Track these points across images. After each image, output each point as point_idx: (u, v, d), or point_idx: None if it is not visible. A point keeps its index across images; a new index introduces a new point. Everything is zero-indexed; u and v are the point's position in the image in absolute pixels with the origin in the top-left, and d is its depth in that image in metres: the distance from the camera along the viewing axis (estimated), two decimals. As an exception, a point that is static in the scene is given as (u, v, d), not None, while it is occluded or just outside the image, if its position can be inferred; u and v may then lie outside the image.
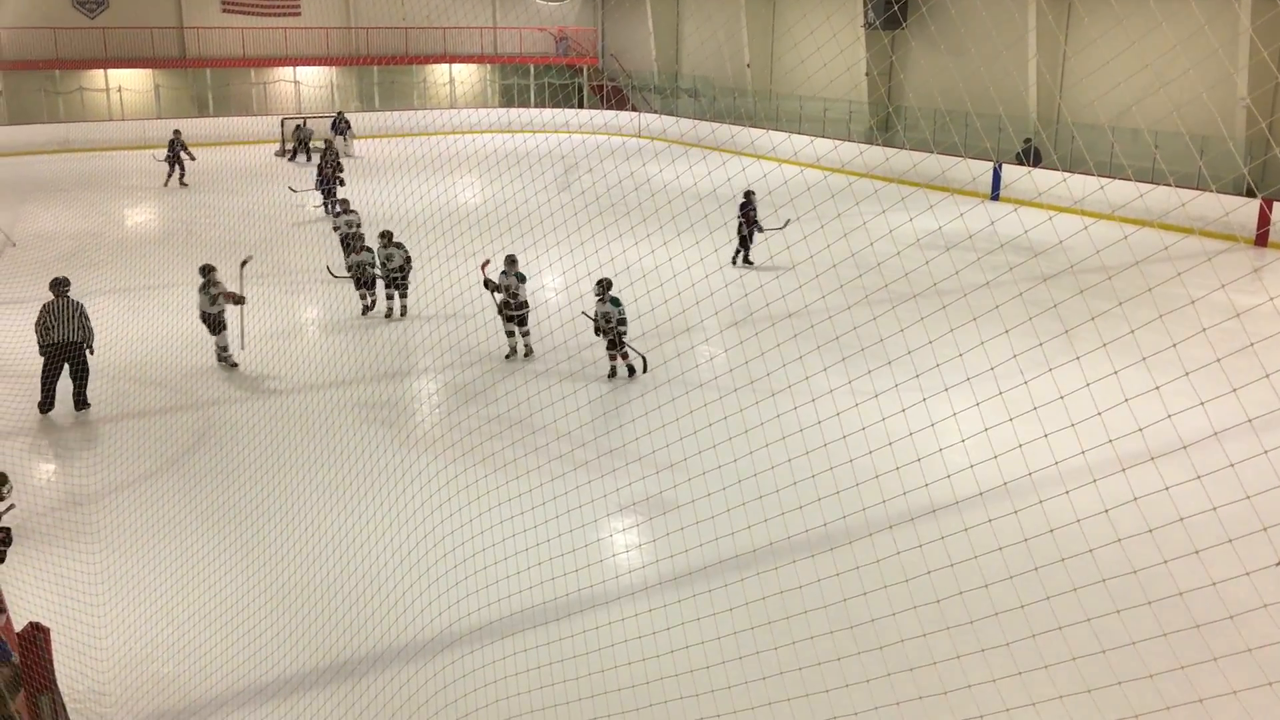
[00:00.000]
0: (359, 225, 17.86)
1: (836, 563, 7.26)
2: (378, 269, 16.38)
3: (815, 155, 26.20)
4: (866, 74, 31.22)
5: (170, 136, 28.05)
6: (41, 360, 12.60)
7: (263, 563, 8.99)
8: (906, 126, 30.62)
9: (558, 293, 17.21)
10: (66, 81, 33.92)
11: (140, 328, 14.99)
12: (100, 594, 8.24)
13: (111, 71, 34.40)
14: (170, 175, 27.74)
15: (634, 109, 39.56)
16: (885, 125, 31.48)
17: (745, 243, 18.76)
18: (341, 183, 24.37)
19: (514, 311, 14.28)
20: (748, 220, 18.68)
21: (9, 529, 8.12)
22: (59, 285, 12.79)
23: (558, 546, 7.95)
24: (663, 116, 38.03)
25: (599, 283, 13.22)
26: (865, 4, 30.34)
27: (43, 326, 12.56)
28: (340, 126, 33.45)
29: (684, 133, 33.76)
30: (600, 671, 6.65)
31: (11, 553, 7.87)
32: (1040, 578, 6.24)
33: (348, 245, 17.19)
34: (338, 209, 19.70)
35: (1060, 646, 6.46)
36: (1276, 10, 21.32)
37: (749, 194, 18.79)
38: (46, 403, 12.51)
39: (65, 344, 12.49)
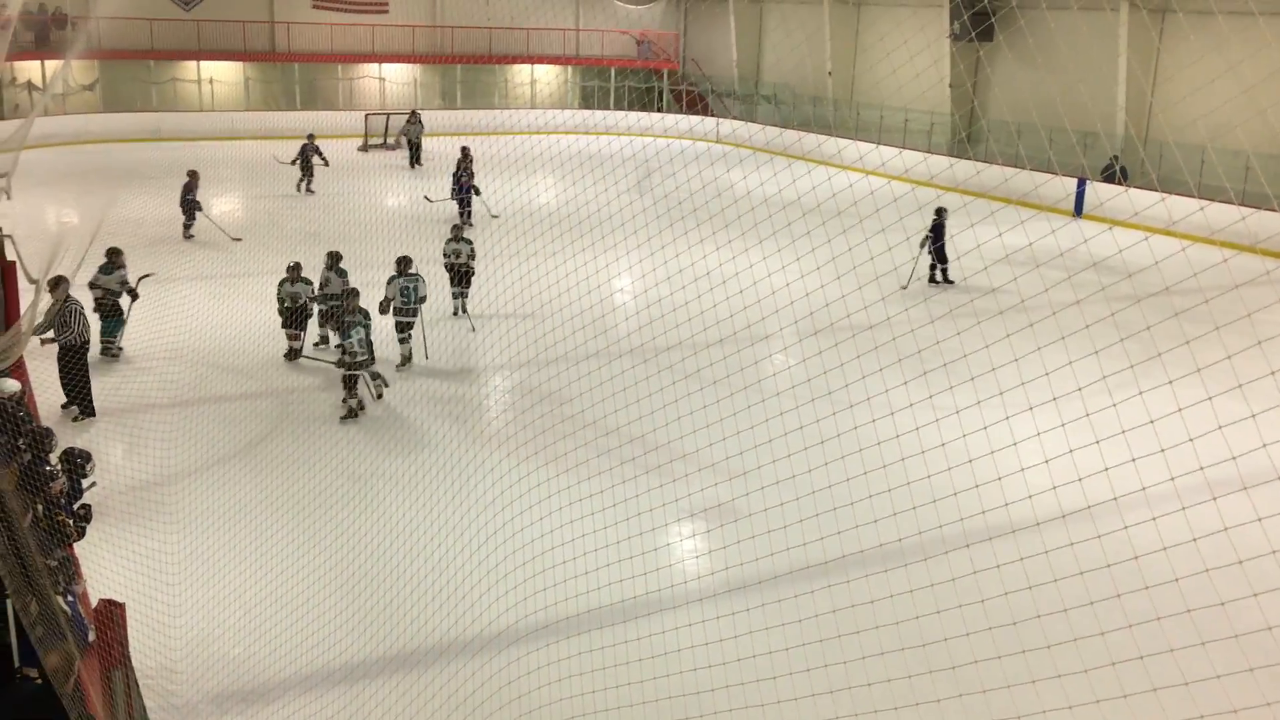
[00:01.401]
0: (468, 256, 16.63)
1: (910, 579, 7.12)
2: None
3: (903, 167, 25.90)
4: (951, 85, 30.81)
5: (304, 140, 26.94)
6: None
7: (332, 550, 9.08)
8: (989, 140, 30.14)
9: (634, 296, 17.18)
10: (160, 72, 34.76)
11: (220, 314, 15.26)
12: (175, 573, 8.37)
13: (204, 63, 35.17)
14: (303, 181, 26.48)
15: (713, 114, 39.47)
16: (968, 138, 31.03)
17: (942, 258, 18.77)
18: (476, 191, 23.50)
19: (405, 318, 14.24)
20: (937, 238, 18.61)
21: (89, 506, 8.30)
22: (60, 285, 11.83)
23: (625, 549, 7.90)
24: (742, 123, 37.88)
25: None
26: (952, 15, 29.94)
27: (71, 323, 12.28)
28: (413, 125, 33.87)
29: (769, 140, 33.60)
30: (663, 677, 6.59)
31: (91, 529, 8.03)
32: (1122, 605, 6.05)
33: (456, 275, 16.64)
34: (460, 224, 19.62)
35: (1140, 677, 6.25)
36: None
37: (940, 211, 18.68)
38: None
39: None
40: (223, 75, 35.59)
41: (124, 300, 14.14)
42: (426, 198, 24.04)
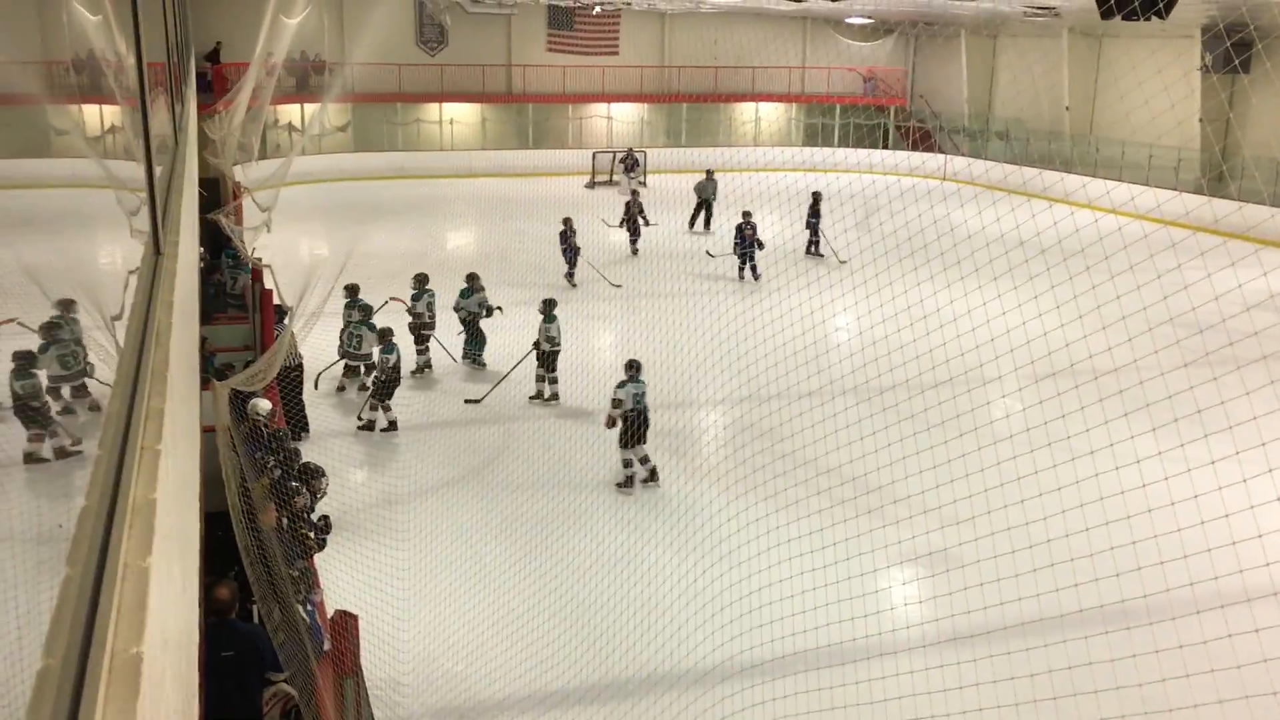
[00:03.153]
0: None
1: (1155, 639, 6.61)
2: None
3: (1151, 204, 24.51)
4: (1200, 121, 29.00)
5: (627, 198, 25.23)
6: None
7: (550, 575, 9.25)
8: (1243, 176, 28.16)
9: (855, 334, 16.87)
10: (406, 113, 36.85)
11: (453, 344, 15.92)
12: (403, 589, 8.72)
13: (445, 105, 37.09)
14: (633, 242, 24.37)
15: (940, 151, 38.55)
16: (1220, 176, 29.09)
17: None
18: (648, 222, 24.46)
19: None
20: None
21: (328, 517, 8.77)
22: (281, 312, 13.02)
23: (839, 591, 7.70)
24: (972, 159, 36.84)
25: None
26: (1203, 49, 28.22)
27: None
28: (629, 163, 34.59)
29: (1005, 177, 32.45)
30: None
31: (329, 541, 8.46)
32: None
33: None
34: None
35: None
36: None
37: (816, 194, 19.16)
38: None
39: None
40: (462, 116, 37.40)
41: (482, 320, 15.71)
42: (604, 221, 24.49)
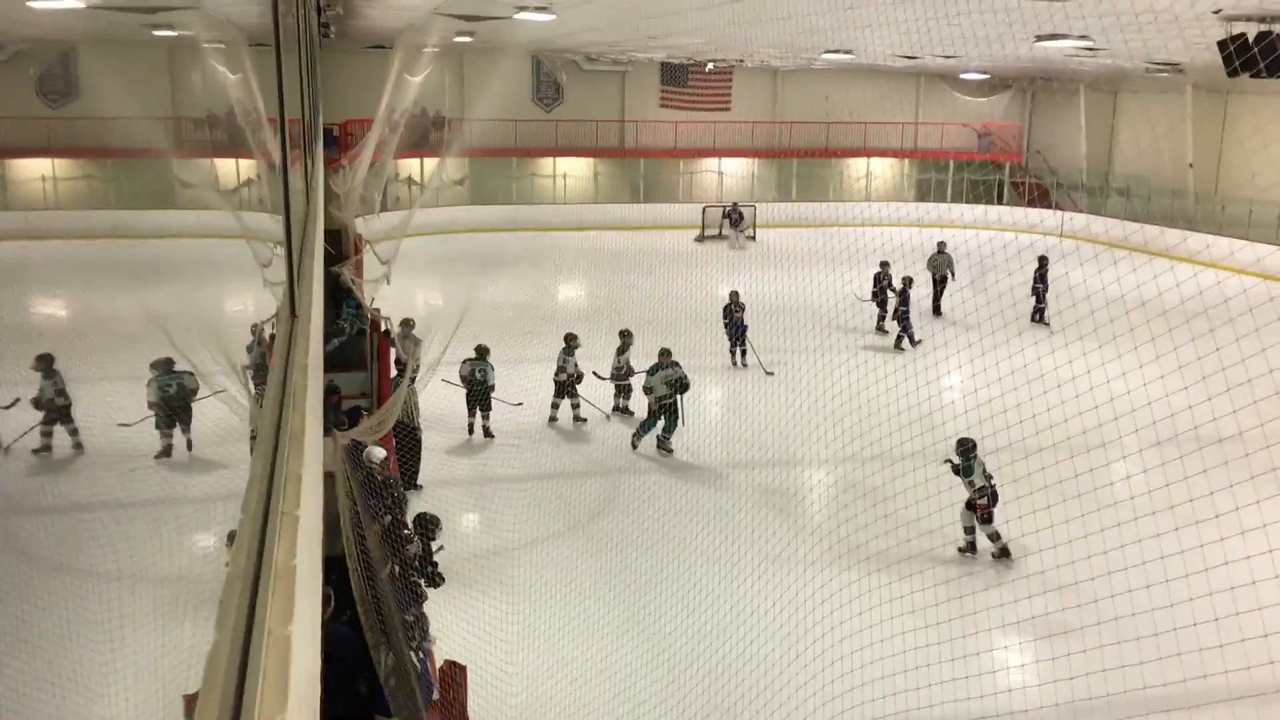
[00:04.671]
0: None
1: (1259, 716, 6.35)
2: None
3: (1272, 265, 23.71)
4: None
5: (877, 269, 22.08)
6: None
7: (653, 631, 9.28)
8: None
9: (966, 395, 16.60)
10: (521, 167, 37.74)
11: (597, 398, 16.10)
12: (510, 639, 8.84)
13: (559, 159, 37.87)
14: (882, 317, 21.77)
15: (1058, 207, 37.85)
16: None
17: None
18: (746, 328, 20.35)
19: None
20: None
21: (436, 565, 8.96)
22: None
23: (938, 654, 7.56)
24: (1090, 216, 36.09)
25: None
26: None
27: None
28: (734, 218, 34.73)
29: (1127, 235, 31.64)
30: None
31: (437, 592, 8.64)
32: None
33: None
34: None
35: None
36: None
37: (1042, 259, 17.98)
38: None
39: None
40: (575, 170, 38.13)
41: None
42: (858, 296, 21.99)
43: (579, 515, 12.35)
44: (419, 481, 13.05)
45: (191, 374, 13.55)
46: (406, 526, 9.28)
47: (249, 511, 1.90)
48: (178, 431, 13.85)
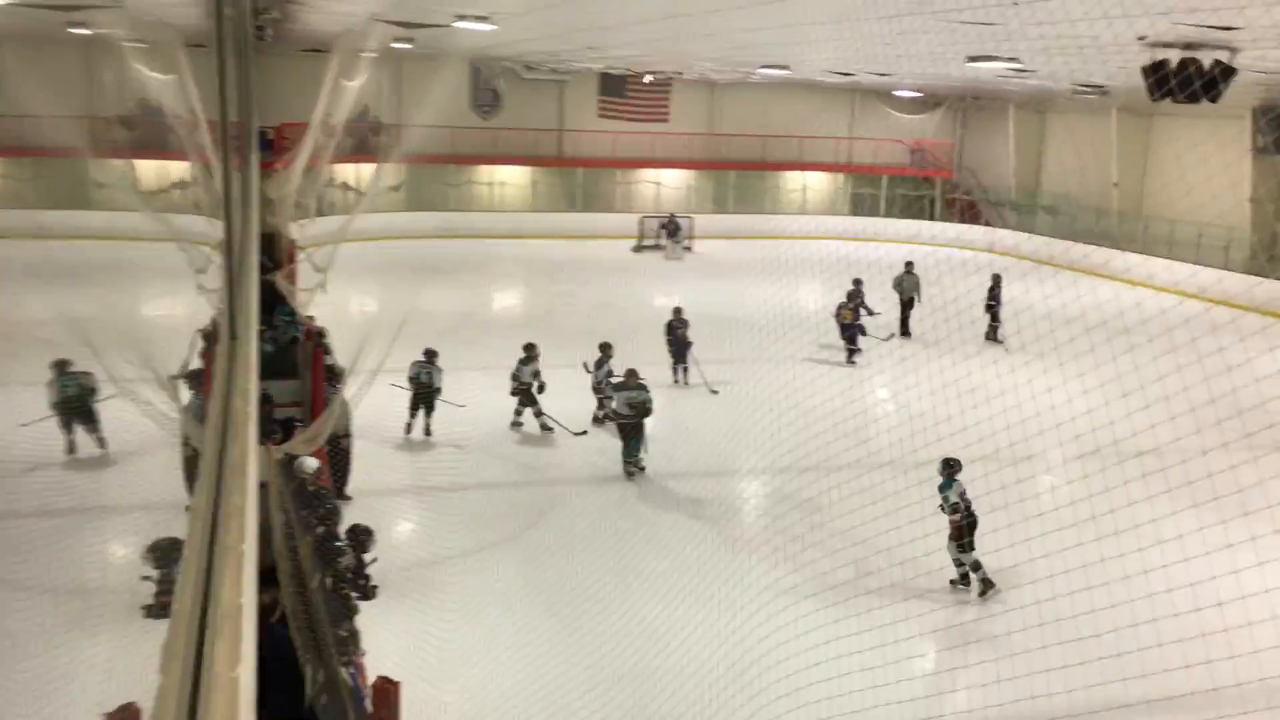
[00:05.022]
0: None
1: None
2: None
3: (1192, 284, 24.41)
4: (1251, 199, 28.91)
5: (850, 287, 21.72)
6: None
7: (586, 643, 9.31)
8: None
9: (894, 410, 16.88)
10: (459, 175, 37.54)
11: (497, 404, 16.10)
12: (445, 653, 8.82)
13: (497, 167, 37.76)
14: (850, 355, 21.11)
15: (987, 223, 38.60)
16: (1271, 256, 28.90)
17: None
18: (870, 312, 21.54)
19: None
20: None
21: (369, 577, 8.91)
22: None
23: (861, 661, 7.70)
24: (1018, 233, 36.89)
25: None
26: (1255, 127, 28.21)
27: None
28: (671, 228, 34.96)
29: (1055, 253, 32.35)
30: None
31: (369, 604, 8.59)
32: None
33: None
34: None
35: None
36: None
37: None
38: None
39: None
40: (512, 179, 38.05)
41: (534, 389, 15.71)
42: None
43: (514, 526, 12.34)
44: (348, 491, 12.94)
45: (89, 374, 13.54)
46: (339, 538, 9.21)
47: (194, 548, 1.91)
48: (82, 431, 14.01)
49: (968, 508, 11.37)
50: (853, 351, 20.70)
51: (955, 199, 40.94)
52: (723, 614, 9.00)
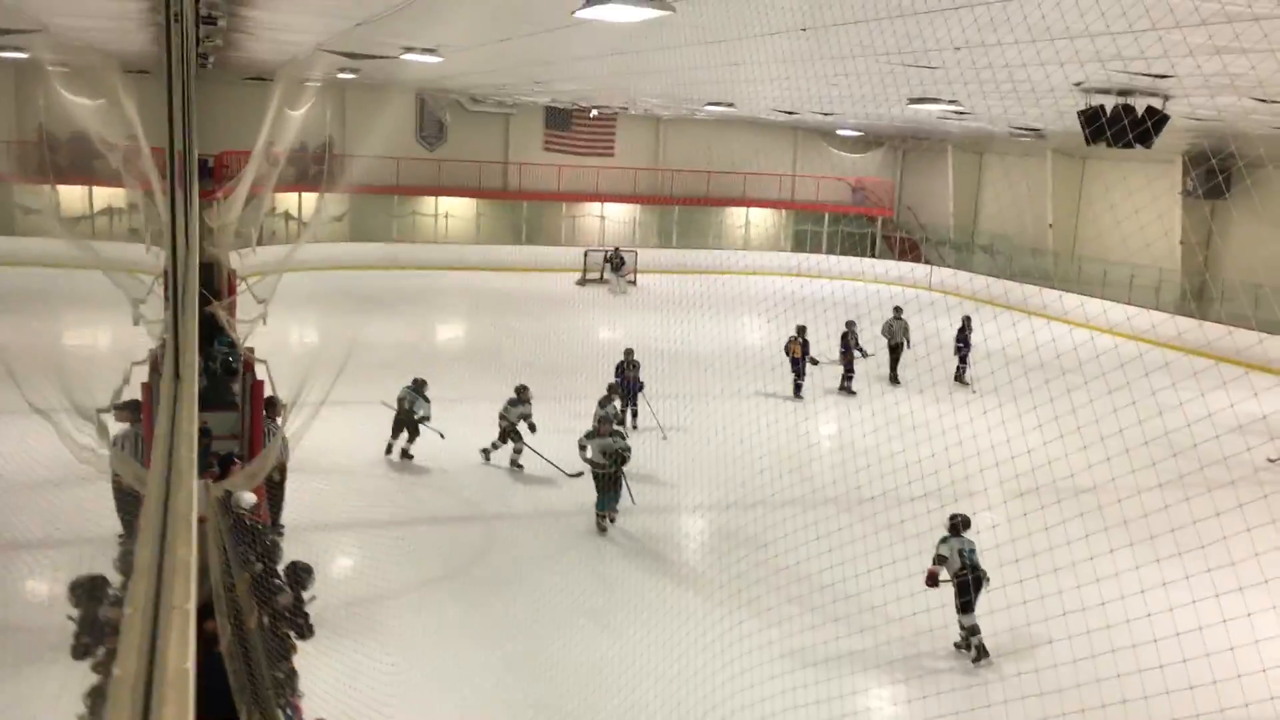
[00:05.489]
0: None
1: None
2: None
3: (1132, 327, 24.95)
4: (1181, 242, 29.70)
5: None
6: None
7: (529, 680, 9.21)
8: (1223, 299, 28.75)
9: (841, 445, 16.98)
10: (402, 206, 37.38)
11: (436, 439, 15.93)
12: (383, 692, 8.65)
13: (441, 199, 37.65)
14: (848, 377, 21.44)
15: (927, 262, 39.21)
16: (1199, 296, 29.66)
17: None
18: (864, 353, 21.52)
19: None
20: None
21: (308, 615, 8.71)
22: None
23: (804, 697, 7.71)
24: (956, 271, 37.49)
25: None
26: (1185, 172, 29.04)
27: None
28: (615, 262, 35.08)
29: (996, 294, 32.94)
30: None
31: (309, 643, 8.41)
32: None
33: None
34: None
35: None
36: None
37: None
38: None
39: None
40: (457, 210, 37.94)
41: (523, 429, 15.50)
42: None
43: (458, 562, 12.19)
44: (281, 522, 12.72)
45: None
46: (278, 575, 9.02)
47: (137, 606, 1.84)
48: None
49: (970, 566, 10.62)
50: (799, 386, 20.80)
51: (895, 237, 41.56)
52: (668, 653, 8.95)
